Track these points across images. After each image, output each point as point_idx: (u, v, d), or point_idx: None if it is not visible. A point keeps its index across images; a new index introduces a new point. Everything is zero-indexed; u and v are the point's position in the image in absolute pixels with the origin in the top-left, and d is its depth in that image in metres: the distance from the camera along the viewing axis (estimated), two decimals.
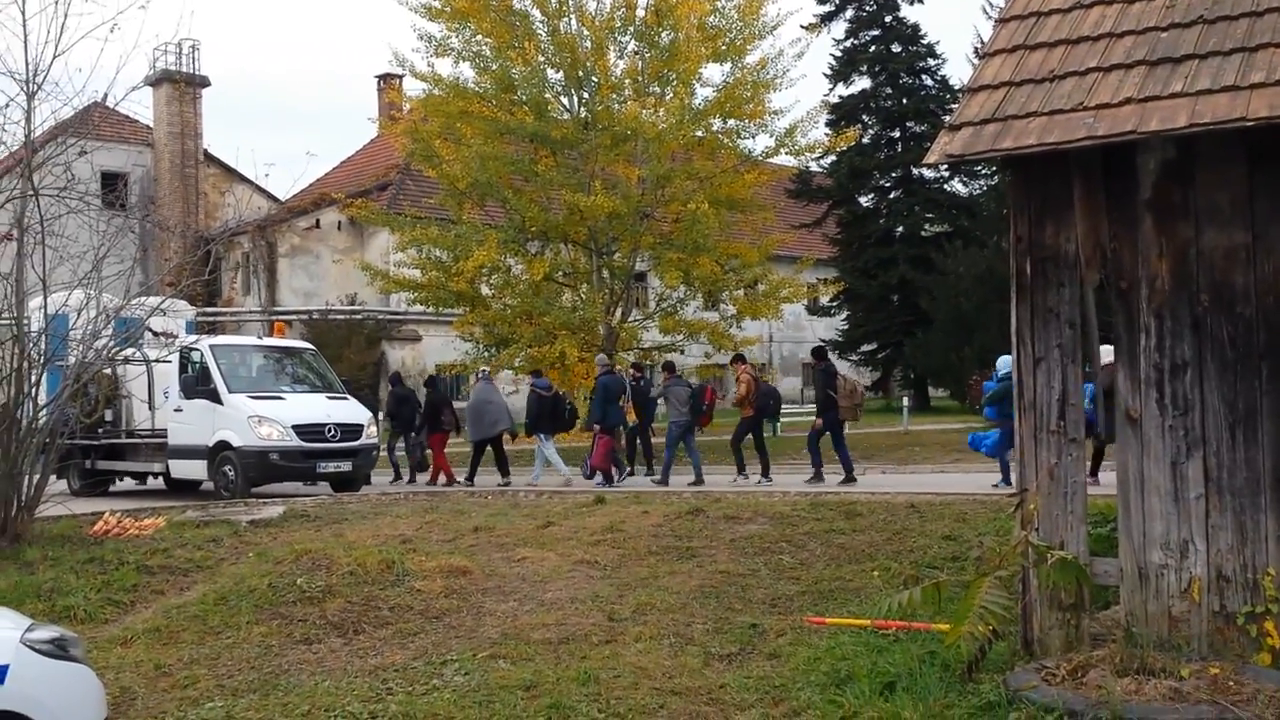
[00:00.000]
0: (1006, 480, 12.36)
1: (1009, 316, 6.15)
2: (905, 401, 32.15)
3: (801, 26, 24.31)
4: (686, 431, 16.37)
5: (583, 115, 23.17)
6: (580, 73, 22.77)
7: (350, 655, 6.89)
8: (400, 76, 30.44)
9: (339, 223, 38.94)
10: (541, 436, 17.28)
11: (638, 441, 18.64)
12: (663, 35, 22.70)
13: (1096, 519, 8.83)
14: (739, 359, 17.33)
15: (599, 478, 16.29)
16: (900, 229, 41.38)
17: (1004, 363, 13.92)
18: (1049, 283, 5.87)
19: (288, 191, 39.01)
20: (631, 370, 19.27)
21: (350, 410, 17.34)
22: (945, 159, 5.74)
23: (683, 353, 25.18)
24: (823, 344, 18.12)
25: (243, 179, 41.19)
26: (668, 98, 22.77)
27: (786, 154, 23.25)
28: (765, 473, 15.76)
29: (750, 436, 16.17)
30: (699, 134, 22.67)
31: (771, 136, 23.13)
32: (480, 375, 19.71)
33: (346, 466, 16.65)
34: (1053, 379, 5.84)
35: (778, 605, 7.64)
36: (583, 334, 22.21)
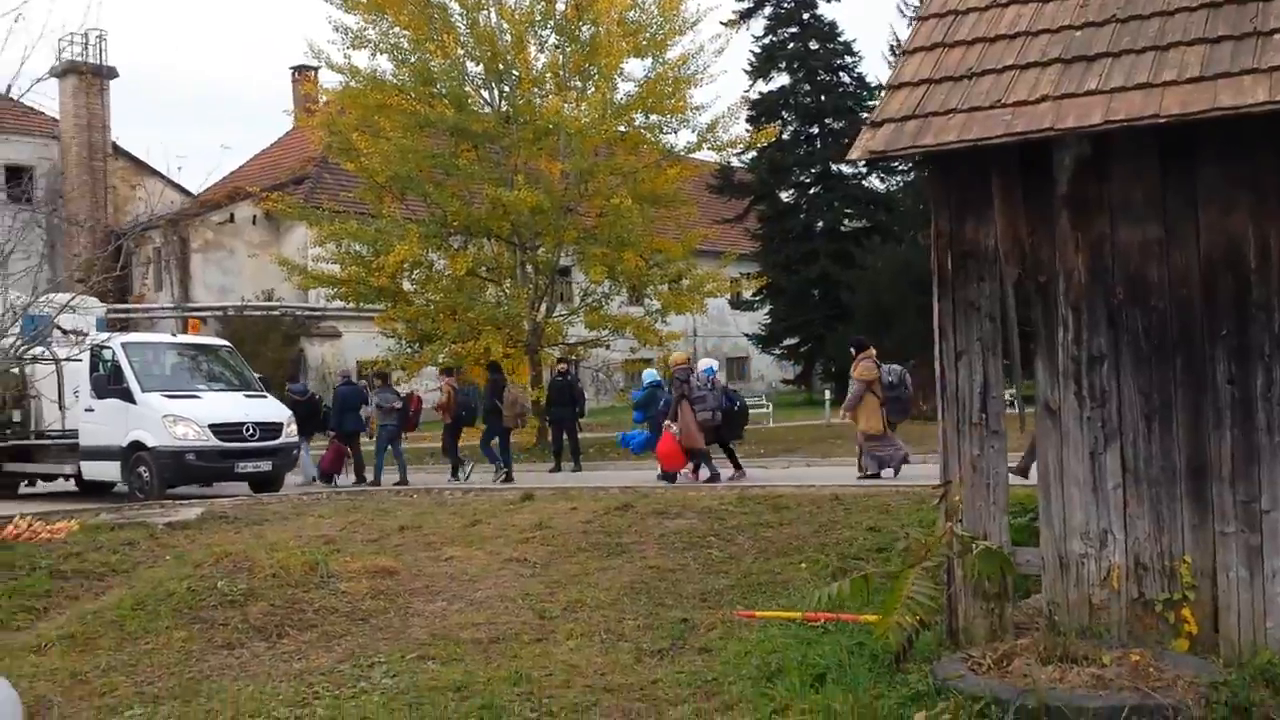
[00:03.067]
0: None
1: (927, 310, 6.24)
2: (827, 395, 32.54)
3: (720, 23, 24.56)
4: (394, 438, 17.18)
5: (504, 109, 23.05)
6: (500, 66, 22.63)
7: (274, 659, 6.76)
8: (316, 69, 29.94)
9: (254, 217, 38.15)
10: (301, 438, 17.70)
11: (564, 437, 18.57)
12: (583, 29, 22.68)
13: (1016, 509, 9.06)
14: (446, 372, 18.74)
15: (332, 480, 17.30)
16: (820, 224, 41.90)
17: (648, 374, 16.63)
18: (970, 277, 5.96)
19: (201, 185, 38.04)
20: (559, 366, 19.22)
21: (269, 408, 17.03)
22: (867, 155, 5.80)
23: (608, 348, 25.21)
24: (495, 362, 19.48)
25: (154, 172, 40.14)
26: (589, 92, 22.75)
27: (709, 149, 23.40)
28: (454, 473, 17.11)
29: (448, 440, 17.42)
30: (621, 129, 22.70)
31: (693, 132, 23.26)
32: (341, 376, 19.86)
33: (266, 466, 16.35)
34: (974, 372, 5.94)
35: (708, 600, 7.67)
36: (508, 329, 22.09)
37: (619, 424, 26.34)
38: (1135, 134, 5.42)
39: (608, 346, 25.35)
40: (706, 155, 25.57)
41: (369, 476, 17.20)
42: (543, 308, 23.54)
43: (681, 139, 27.00)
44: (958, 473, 5.93)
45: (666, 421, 14.30)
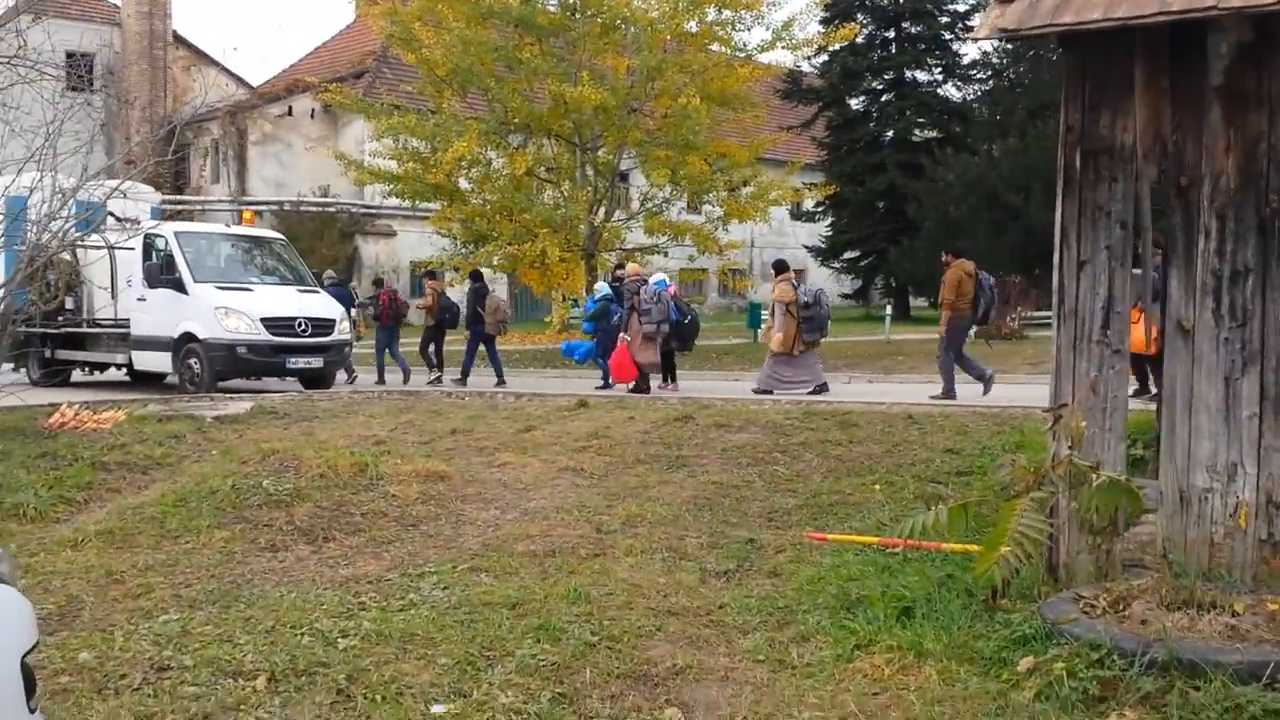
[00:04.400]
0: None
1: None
2: (888, 310, 31.68)
3: None
4: (386, 339, 17.46)
5: (570, 1, 22.13)
6: None
7: (319, 565, 6.39)
8: None
9: (312, 110, 37.64)
10: None
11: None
12: None
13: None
14: (430, 274, 18.51)
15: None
16: (891, 134, 40.53)
17: (600, 287, 16.51)
18: (1100, 178, 5.29)
19: (259, 72, 37.60)
20: (616, 271, 18.66)
21: (322, 304, 16.67)
22: (997, 33, 5.12)
23: (666, 255, 24.57)
24: (477, 270, 19.35)
25: (213, 63, 39.69)
26: None
27: (783, 48, 22.34)
28: (433, 372, 17.15)
29: (425, 340, 17.44)
30: (693, 26, 21.71)
31: (768, 29, 22.18)
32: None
33: (317, 363, 16.04)
34: (1098, 284, 5.30)
35: (775, 519, 7.19)
36: (565, 232, 21.52)
37: None
38: None
39: (666, 254, 24.69)
40: (780, 55, 24.54)
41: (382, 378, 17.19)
42: (600, 211, 22.93)
43: (755, 37, 25.90)
44: (1071, 394, 5.34)
45: (621, 333, 14.61)
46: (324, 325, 16.20)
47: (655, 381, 14.64)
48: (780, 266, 14.70)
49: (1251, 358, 4.99)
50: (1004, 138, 33.92)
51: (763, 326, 14.58)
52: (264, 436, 9.93)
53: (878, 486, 7.76)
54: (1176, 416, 5.16)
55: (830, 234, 41.94)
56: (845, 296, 45.21)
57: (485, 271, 19.47)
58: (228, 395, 13.76)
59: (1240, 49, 4.98)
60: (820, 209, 41.60)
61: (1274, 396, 4.95)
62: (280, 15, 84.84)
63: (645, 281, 14.84)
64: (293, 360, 15.72)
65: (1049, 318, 23.83)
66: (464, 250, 23.22)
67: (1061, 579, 5.25)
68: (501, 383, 15.97)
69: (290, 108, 38.11)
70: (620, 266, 19.23)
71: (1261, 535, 4.96)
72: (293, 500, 7.31)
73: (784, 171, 24.91)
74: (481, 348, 16.90)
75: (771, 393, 13.36)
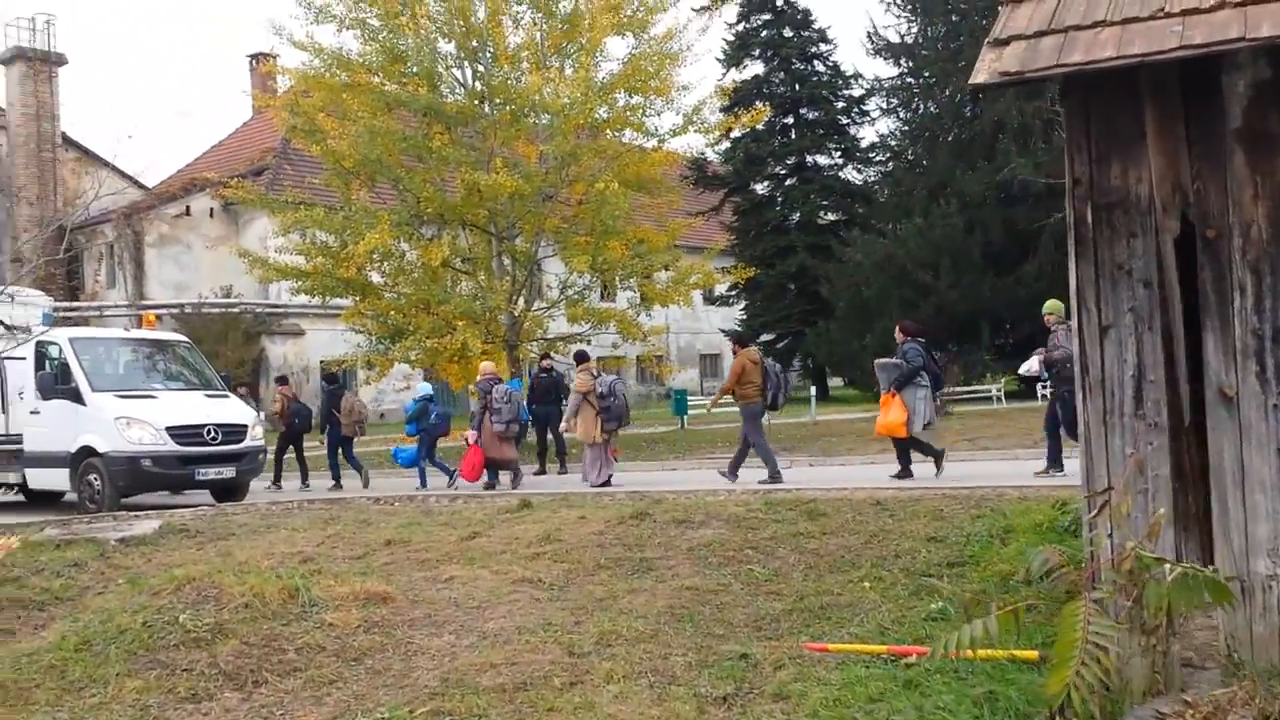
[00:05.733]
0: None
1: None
2: (812, 391, 31.50)
3: (692, 9, 23.25)
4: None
5: (479, 89, 21.74)
6: (475, 43, 21.35)
7: (251, 715, 5.50)
8: (275, 56, 28.49)
9: (211, 209, 36.63)
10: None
11: (549, 437, 17.45)
12: (561, 4, 21.47)
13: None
14: (281, 380, 19.06)
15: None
16: (797, 216, 40.95)
17: (422, 387, 16.83)
18: (1117, 234, 4.84)
19: (159, 160, 36.53)
20: (543, 361, 18.03)
21: (232, 410, 15.67)
22: (998, 78, 4.65)
23: (589, 343, 23.98)
24: (331, 373, 20.10)
25: (105, 164, 38.35)
26: (568, 71, 21.54)
27: (695, 131, 22.18)
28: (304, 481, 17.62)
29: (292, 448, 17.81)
30: (603, 112, 21.44)
31: (678, 114, 22.03)
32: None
33: (229, 472, 15.00)
34: (1125, 351, 4.82)
35: (763, 628, 6.50)
36: (485, 323, 20.80)
37: None
38: None
39: (588, 342, 24.08)
40: (690, 139, 24.45)
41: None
42: (520, 300, 22.30)
43: (666, 122, 25.84)
44: (1106, 476, 4.80)
45: (467, 431, 15.04)
46: (235, 431, 15.20)
47: (506, 477, 14.93)
48: (581, 357, 15.32)
49: None
50: (907, 217, 34.51)
51: (565, 417, 15.22)
52: (176, 560, 8.95)
53: (867, 584, 7.14)
54: (1228, 494, 4.65)
55: (745, 317, 41.98)
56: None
57: (403, 367, 18.80)
58: (132, 513, 12.63)
59: (1258, 88, 4.61)
60: (734, 293, 41.67)
61: None
62: (183, 102, 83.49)
63: (499, 380, 15.45)
64: (202, 471, 14.66)
65: (971, 393, 23.90)
66: (379, 346, 22.30)
67: (1115, 687, 4.64)
68: (348, 484, 16.50)
69: (188, 207, 37.00)
70: (546, 356, 18.62)
71: None
72: (215, 637, 6.38)
73: (702, 257, 24.68)
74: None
75: (608, 483, 13.85)
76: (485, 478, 14.78)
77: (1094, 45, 4.55)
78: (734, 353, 13.78)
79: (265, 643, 6.34)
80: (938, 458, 12.42)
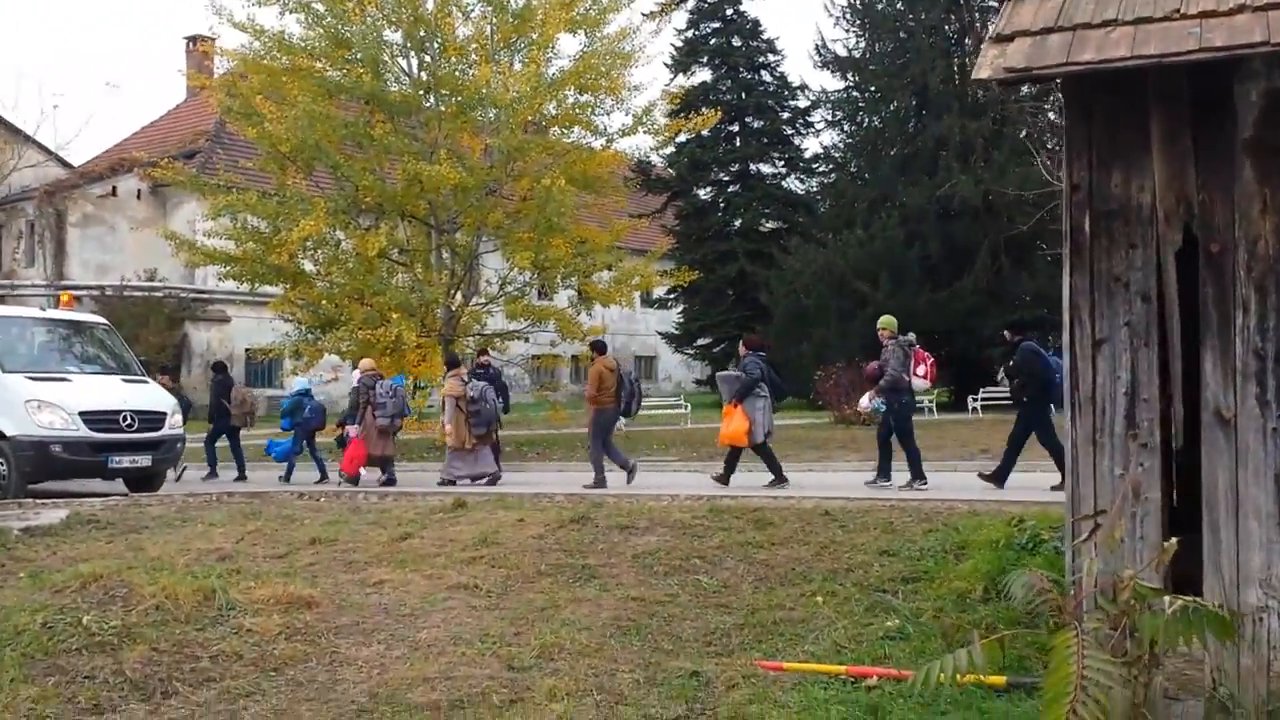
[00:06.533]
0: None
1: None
2: None
3: (643, 14, 22.92)
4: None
5: (424, 79, 21.16)
6: (422, 33, 20.76)
7: None
8: (212, 39, 27.60)
9: (139, 191, 35.40)
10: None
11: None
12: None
13: (1063, 532, 7.77)
14: (163, 370, 18.87)
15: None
16: (738, 223, 40.97)
17: (298, 382, 17.10)
18: (1116, 245, 4.58)
19: (84, 136, 35.27)
20: (481, 358, 17.56)
21: (150, 396, 14.94)
22: (1002, 74, 4.37)
23: (527, 340, 23.54)
24: (221, 361, 20.13)
25: (28, 139, 36.97)
26: (517, 66, 21.09)
27: (645, 133, 21.84)
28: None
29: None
30: (552, 108, 21.01)
31: (628, 114, 21.68)
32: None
33: (145, 461, 14.29)
34: (1119, 367, 4.57)
35: (714, 644, 6.16)
36: (421, 316, 20.24)
37: (526, 420, 24.86)
38: None
39: (527, 339, 23.63)
40: (637, 141, 24.18)
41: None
42: (458, 295, 21.75)
43: (615, 121, 25.50)
44: (1093, 497, 4.54)
45: (349, 426, 14.97)
46: (153, 419, 14.49)
47: (372, 475, 14.85)
48: (452, 362, 15.52)
49: None
50: (848, 229, 34.66)
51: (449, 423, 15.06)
52: (83, 554, 8.35)
53: (820, 598, 6.84)
54: (1220, 522, 4.41)
55: (683, 320, 41.85)
56: (699, 383, 45.04)
57: (333, 358, 18.27)
58: (39, 501, 11.91)
59: (1272, 97, 4.38)
60: (672, 296, 41.49)
61: None
62: (112, 73, 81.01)
63: (381, 376, 15.48)
64: (116, 459, 13.93)
65: None
66: (309, 336, 21.60)
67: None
68: (215, 477, 16.23)
69: (115, 188, 35.75)
70: (484, 353, 18.14)
71: None
72: (122, 642, 5.86)
73: (645, 259, 24.37)
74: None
75: (454, 483, 13.92)
76: (364, 474, 14.79)
77: (1106, 44, 4.28)
78: (592, 360, 14.16)
79: (177, 649, 5.84)
80: (778, 473, 12.75)
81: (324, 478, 15.38)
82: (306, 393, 16.19)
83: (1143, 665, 4.33)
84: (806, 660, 5.78)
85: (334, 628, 6.41)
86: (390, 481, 14.53)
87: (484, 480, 14.15)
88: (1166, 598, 3.79)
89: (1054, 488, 11.26)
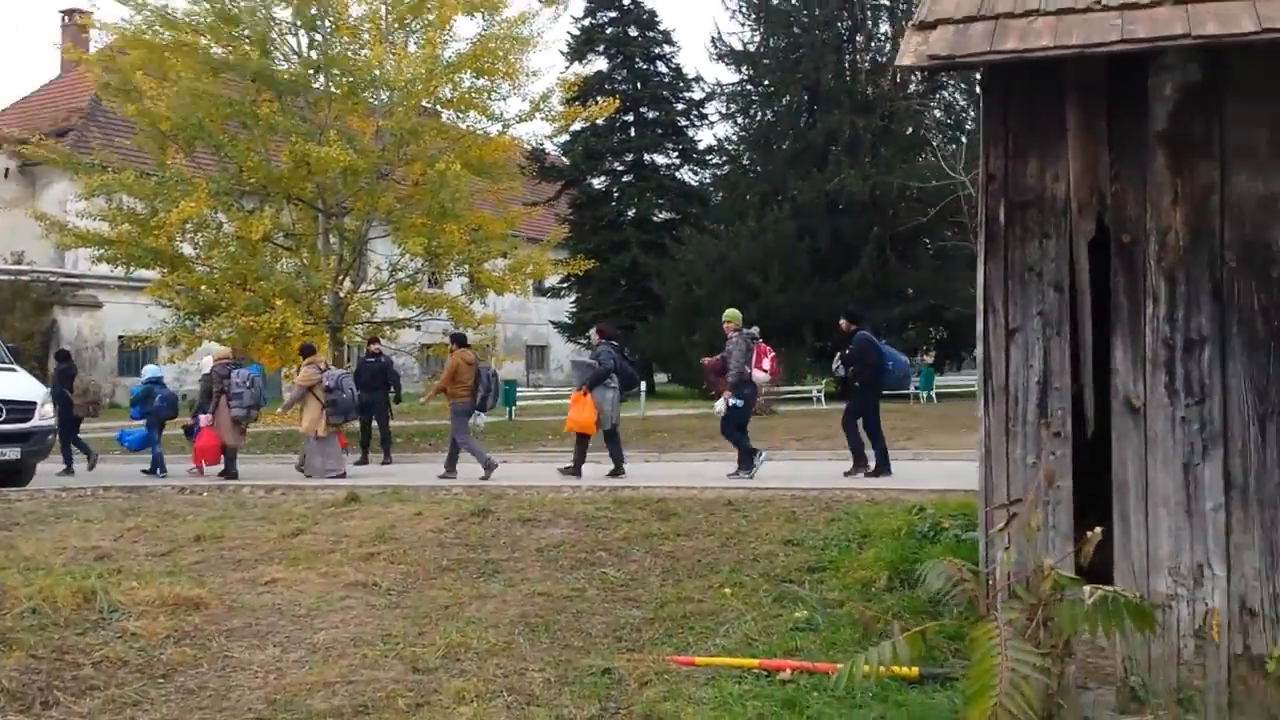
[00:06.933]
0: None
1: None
2: (642, 387, 31.34)
3: (539, 1, 22.58)
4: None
5: (314, 58, 20.52)
6: (314, 10, 20.13)
7: None
8: (90, 12, 26.33)
9: (5, 169, 33.68)
10: None
11: (373, 424, 16.58)
12: None
13: (962, 520, 7.87)
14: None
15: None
16: (632, 213, 40.98)
17: (149, 370, 16.29)
18: (1029, 234, 4.60)
19: None
20: (371, 346, 17.13)
21: (19, 385, 14.17)
22: (925, 61, 4.33)
23: (418, 328, 23.05)
24: (65, 350, 19.47)
25: None
26: (411, 48, 20.62)
27: (542, 119, 21.58)
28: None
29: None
30: (447, 91, 20.59)
31: (525, 100, 21.41)
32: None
33: (13, 454, 13.54)
34: (1031, 356, 4.59)
35: (624, 639, 6.03)
36: (307, 303, 19.64)
37: (417, 411, 24.40)
38: (1269, 54, 4.17)
39: (418, 327, 23.14)
40: (533, 127, 23.91)
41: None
42: (347, 281, 21.19)
43: (512, 107, 25.12)
44: (1005, 486, 4.55)
45: (201, 415, 14.85)
46: (21, 409, 13.73)
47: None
48: (306, 351, 15.33)
49: (1213, 439, 4.37)
50: (740, 220, 34.96)
51: (283, 407, 15.77)
52: None
53: (728, 590, 6.77)
54: (1130, 509, 4.47)
55: (575, 310, 41.67)
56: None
57: (216, 345, 17.60)
58: None
59: (1186, 91, 4.44)
60: (565, 285, 41.26)
61: (1241, 485, 4.34)
62: None
63: (238, 365, 15.31)
64: None
65: (794, 393, 24.09)
66: (187, 322, 20.76)
67: (1040, 718, 4.38)
68: (69, 472, 15.48)
69: None
70: (374, 341, 17.70)
71: (1236, 649, 4.30)
72: None
73: (540, 247, 24.11)
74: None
75: (323, 475, 13.81)
76: (223, 465, 14.59)
77: (1028, 33, 4.28)
78: (450, 352, 14.18)
79: (57, 656, 5.45)
80: (619, 463, 13.01)
81: (69, 470, 15.30)
82: (158, 380, 15.75)
83: (1057, 655, 4.36)
84: (718, 654, 5.69)
85: (225, 630, 6.09)
86: (231, 475, 14.15)
87: (336, 474, 13.93)
88: (1086, 588, 3.80)
89: (846, 474, 11.91)
